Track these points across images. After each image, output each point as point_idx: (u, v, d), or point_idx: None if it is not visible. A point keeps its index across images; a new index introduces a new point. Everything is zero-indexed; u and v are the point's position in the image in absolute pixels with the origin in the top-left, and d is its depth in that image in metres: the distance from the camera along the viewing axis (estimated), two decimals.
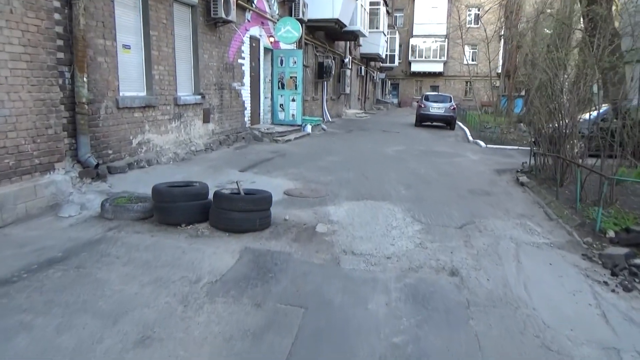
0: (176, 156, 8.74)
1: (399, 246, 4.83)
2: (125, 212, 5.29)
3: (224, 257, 4.32)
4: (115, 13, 6.96)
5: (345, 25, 18.61)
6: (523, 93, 36.51)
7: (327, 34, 20.24)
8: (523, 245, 5.06)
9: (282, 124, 14.63)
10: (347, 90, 24.02)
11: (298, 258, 4.42)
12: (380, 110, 36.63)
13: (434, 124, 22.13)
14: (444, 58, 47.32)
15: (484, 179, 8.94)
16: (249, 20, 12.07)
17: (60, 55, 5.90)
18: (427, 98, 21.89)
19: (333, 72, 20.01)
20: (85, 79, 6.15)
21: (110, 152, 7.01)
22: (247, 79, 12.26)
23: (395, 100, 48.68)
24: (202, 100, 9.77)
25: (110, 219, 5.26)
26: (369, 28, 25.88)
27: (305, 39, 16.99)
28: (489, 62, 31.46)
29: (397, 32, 41.69)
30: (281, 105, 14.68)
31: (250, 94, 12.60)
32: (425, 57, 47.60)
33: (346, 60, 23.82)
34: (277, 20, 13.65)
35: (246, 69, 12.19)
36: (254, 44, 12.73)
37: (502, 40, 42.71)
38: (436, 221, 5.77)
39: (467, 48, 46.88)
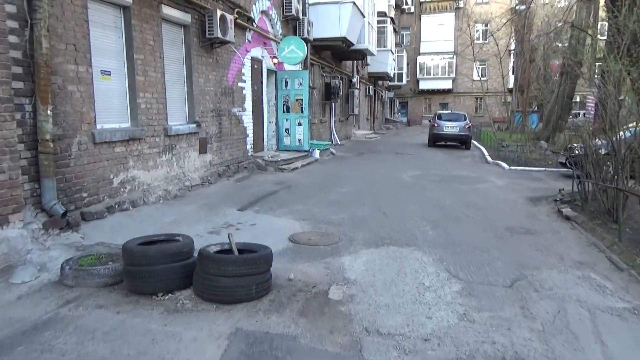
0: (167, 194, 7.71)
1: (438, 319, 3.70)
2: (89, 277, 4.22)
3: (206, 348, 3.22)
4: (90, 34, 6.02)
5: (353, 44, 17.75)
6: (536, 108, 35.59)
7: (334, 54, 19.40)
8: (598, 312, 3.89)
9: (288, 150, 13.63)
10: (356, 111, 23.10)
11: (306, 344, 3.30)
12: (389, 130, 35.66)
13: (448, 143, 21.05)
14: (453, 75, 46.54)
15: (519, 211, 7.78)
16: (249, 41, 11.18)
17: (18, 84, 4.94)
18: (440, 117, 20.86)
19: (341, 93, 19.10)
20: (49, 111, 5.17)
21: (84, 195, 5.99)
22: (248, 104, 11.31)
23: (404, 119, 47.75)
24: (198, 129, 8.79)
25: (71, 287, 4.20)
26: (377, 47, 25.08)
27: (311, 59, 16.12)
28: (502, 78, 30.50)
29: (404, 50, 41.03)
30: (287, 130, 13.71)
31: (253, 119, 11.64)
32: (433, 75, 46.85)
33: (354, 80, 22.95)
34: (281, 40, 12.77)
35: (247, 92, 11.25)
36: (255, 66, 11.82)
37: (513, 54, 41.95)
38: (478, 277, 4.62)
39: (476, 64, 46.24)
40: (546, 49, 33.77)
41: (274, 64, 13.01)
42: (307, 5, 15.17)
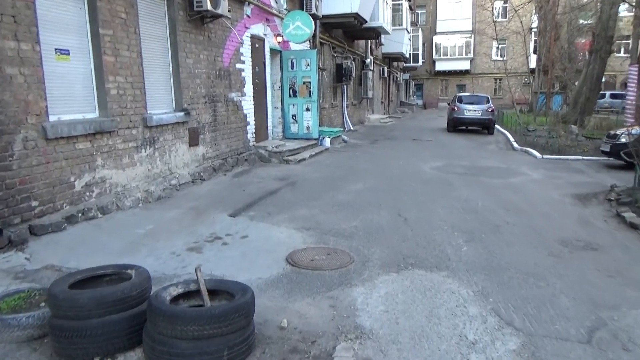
0: (148, 195, 6.55)
1: None
2: (5, 329, 3.07)
3: None
4: (36, 4, 4.80)
5: (366, 21, 16.29)
6: (560, 89, 33.62)
7: (346, 32, 17.95)
8: None
9: (295, 139, 12.37)
10: (370, 94, 21.67)
11: None
12: (405, 114, 34.11)
13: (469, 128, 19.57)
14: (471, 55, 44.56)
15: (569, 215, 6.44)
16: (248, 16, 9.86)
17: None
18: (460, 100, 19.36)
19: (353, 75, 17.70)
20: None
21: (34, 204, 4.84)
22: (248, 88, 10.04)
23: (420, 102, 46.05)
24: (187, 118, 7.57)
25: None
26: (391, 25, 23.48)
27: (321, 38, 14.74)
28: (527, 57, 28.71)
29: (419, 29, 39.17)
30: (293, 116, 12.43)
31: (254, 105, 10.38)
32: (450, 55, 44.93)
33: (367, 61, 21.47)
34: (285, 15, 11.40)
35: (247, 75, 9.97)
36: (256, 45, 10.51)
37: (535, 33, 39.77)
38: (540, 324, 3.36)
39: (495, 43, 44.13)
40: (571, 26, 31.79)
41: (278, 42, 11.69)
42: None
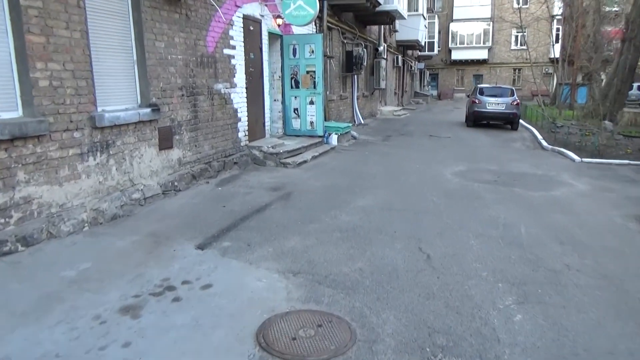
0: (98, 215, 5.12)
1: None
2: None
3: None
4: None
5: (380, 3, 14.65)
6: (585, 81, 31.60)
7: (357, 16, 16.30)
8: None
9: (297, 136, 10.88)
10: (383, 85, 20.02)
11: None
12: (419, 105, 32.37)
13: (490, 123, 17.88)
14: (489, 43, 42.50)
15: None
16: None
17: None
18: (481, 92, 17.65)
19: (365, 64, 16.09)
20: None
21: None
22: (240, 77, 8.54)
23: (435, 92, 44.16)
24: (156, 115, 6.11)
25: None
26: (407, 10, 21.74)
27: (329, 22, 13.16)
28: (552, 45, 26.78)
29: (435, 16, 37.21)
30: (295, 110, 10.92)
31: (248, 97, 8.88)
32: (467, 44, 42.89)
33: (381, 48, 19.81)
34: None
35: (239, 62, 8.46)
36: (251, 27, 8.99)
37: (558, 20, 37.64)
38: None
39: (514, 31, 42.04)
40: (598, 14, 29.71)
41: (278, 25, 10.14)
42: None
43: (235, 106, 8.38)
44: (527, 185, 7.87)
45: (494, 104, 17.08)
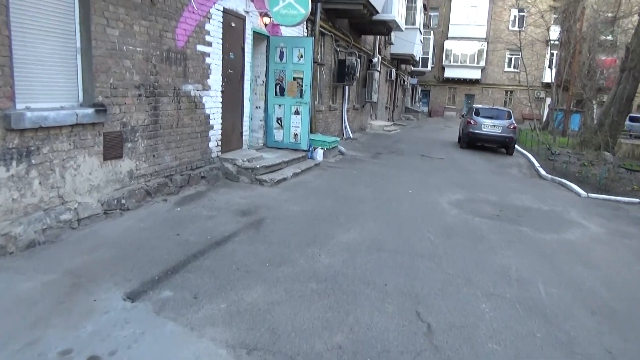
0: (8, 243, 3.96)
1: None
2: None
3: None
4: None
5: (377, 12, 13.71)
6: (577, 107, 31.19)
7: (352, 24, 15.35)
8: None
9: (279, 148, 9.81)
10: (375, 98, 19.09)
11: None
12: (410, 121, 31.59)
13: (484, 145, 17.02)
14: (482, 64, 42.08)
15: None
16: None
17: None
18: (477, 112, 16.79)
19: (358, 74, 15.12)
20: None
21: None
22: (216, 79, 7.45)
23: (426, 109, 43.55)
24: (101, 117, 4.97)
25: None
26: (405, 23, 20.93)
27: (322, 27, 12.17)
28: (551, 70, 26.25)
29: (431, 32, 36.68)
30: (279, 119, 9.84)
31: (224, 102, 7.79)
32: (461, 62, 42.45)
33: (375, 60, 18.89)
34: None
35: (215, 61, 7.37)
36: (233, 24, 7.92)
37: (553, 45, 37.46)
38: None
39: (507, 53, 41.81)
40: (593, 41, 29.39)
41: (265, 25, 9.09)
42: None
43: (208, 112, 7.27)
44: (535, 224, 6.89)
45: (490, 126, 16.23)
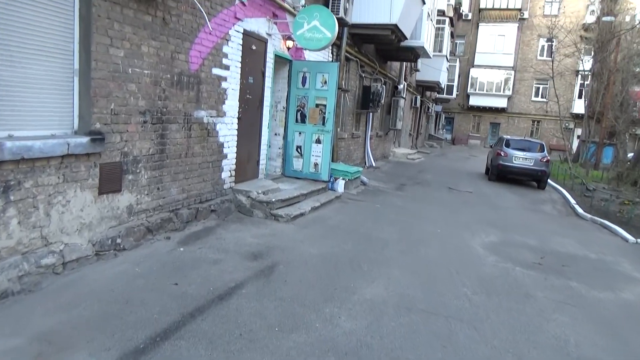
0: None
1: None
2: None
3: None
4: None
5: (406, 38, 13.15)
6: (610, 140, 30.00)
7: (378, 50, 14.85)
8: None
9: (297, 178, 9.18)
10: (399, 125, 18.44)
11: None
12: (433, 149, 30.78)
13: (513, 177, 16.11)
14: (509, 92, 41.21)
15: None
16: (243, 3, 6.78)
17: None
18: (508, 144, 15.95)
19: (382, 101, 14.52)
20: None
21: None
22: (232, 104, 6.90)
23: (449, 137, 42.68)
24: (97, 147, 4.42)
25: None
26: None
27: (347, 52, 11.65)
28: (575, 101, 25.30)
29: (457, 60, 36.11)
30: (298, 148, 9.24)
31: (240, 129, 7.22)
32: (487, 90, 41.63)
33: (400, 86, 18.31)
34: (300, 11, 8.26)
35: (232, 86, 6.84)
36: (253, 46, 7.41)
37: (582, 76, 36.50)
38: None
39: (535, 82, 40.93)
40: (626, 73, 28.41)
41: (288, 48, 8.58)
42: None
43: (221, 140, 6.70)
44: (585, 278, 6.04)
45: (521, 159, 15.37)
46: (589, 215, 11.27)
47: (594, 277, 6.18)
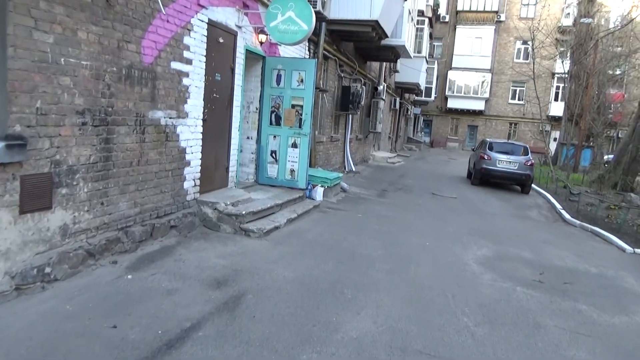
0: None
1: None
2: None
3: None
4: None
5: (387, 36, 12.50)
6: (588, 142, 30.07)
7: (358, 49, 14.16)
8: None
9: (272, 186, 8.38)
10: (379, 128, 17.80)
11: None
12: (412, 152, 30.33)
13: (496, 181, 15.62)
14: (486, 95, 41.17)
15: None
16: None
17: None
18: (491, 147, 15.46)
19: (362, 103, 13.83)
20: None
21: None
22: (195, 104, 6.05)
23: (428, 139, 42.42)
24: (17, 155, 3.54)
25: None
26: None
27: (326, 50, 10.89)
28: (564, 103, 25.21)
29: (435, 62, 35.83)
30: (273, 153, 8.44)
31: (205, 132, 6.37)
32: (464, 93, 41.52)
33: (380, 87, 17.68)
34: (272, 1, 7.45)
35: (196, 83, 5.99)
36: (221, 39, 6.58)
37: (559, 79, 36.75)
38: None
39: (511, 85, 41.04)
40: (602, 75, 28.56)
41: (261, 42, 7.77)
42: None
43: (183, 144, 5.84)
44: (592, 298, 5.40)
45: (505, 162, 14.87)
46: (577, 222, 10.78)
47: (601, 296, 5.55)
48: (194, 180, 6.17)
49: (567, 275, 6.31)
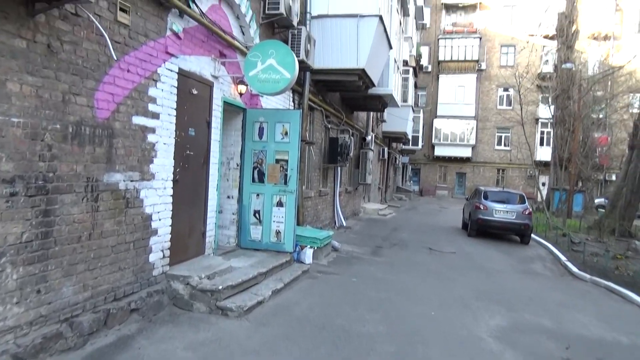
0: None
1: None
2: None
3: None
4: None
5: (373, 84, 12.07)
6: (579, 187, 29.79)
7: (345, 98, 13.72)
8: None
9: (256, 249, 7.50)
10: (369, 179, 17.15)
11: None
12: (402, 202, 29.67)
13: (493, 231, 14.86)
14: (473, 142, 41.28)
15: None
16: (177, 35, 5.32)
17: None
18: (486, 196, 14.83)
19: (351, 154, 13.22)
20: None
21: None
22: (163, 163, 5.27)
23: (417, 188, 41.97)
24: None
25: None
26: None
27: (311, 100, 10.35)
28: (554, 147, 25.03)
29: (420, 110, 36.05)
30: (256, 213, 7.61)
31: (177, 194, 5.56)
32: (451, 140, 41.61)
33: (368, 138, 17.19)
34: (252, 48, 6.86)
35: (164, 140, 5.25)
36: (194, 91, 5.91)
37: (543, 124, 37.12)
38: None
39: (496, 131, 41.31)
40: (587, 119, 28.71)
41: (241, 94, 7.13)
42: (307, 14, 9.58)
43: (148, 210, 5.01)
44: None
45: (502, 212, 14.19)
46: (587, 276, 9.98)
47: None
48: (162, 251, 5.29)
49: (596, 349, 5.45)
